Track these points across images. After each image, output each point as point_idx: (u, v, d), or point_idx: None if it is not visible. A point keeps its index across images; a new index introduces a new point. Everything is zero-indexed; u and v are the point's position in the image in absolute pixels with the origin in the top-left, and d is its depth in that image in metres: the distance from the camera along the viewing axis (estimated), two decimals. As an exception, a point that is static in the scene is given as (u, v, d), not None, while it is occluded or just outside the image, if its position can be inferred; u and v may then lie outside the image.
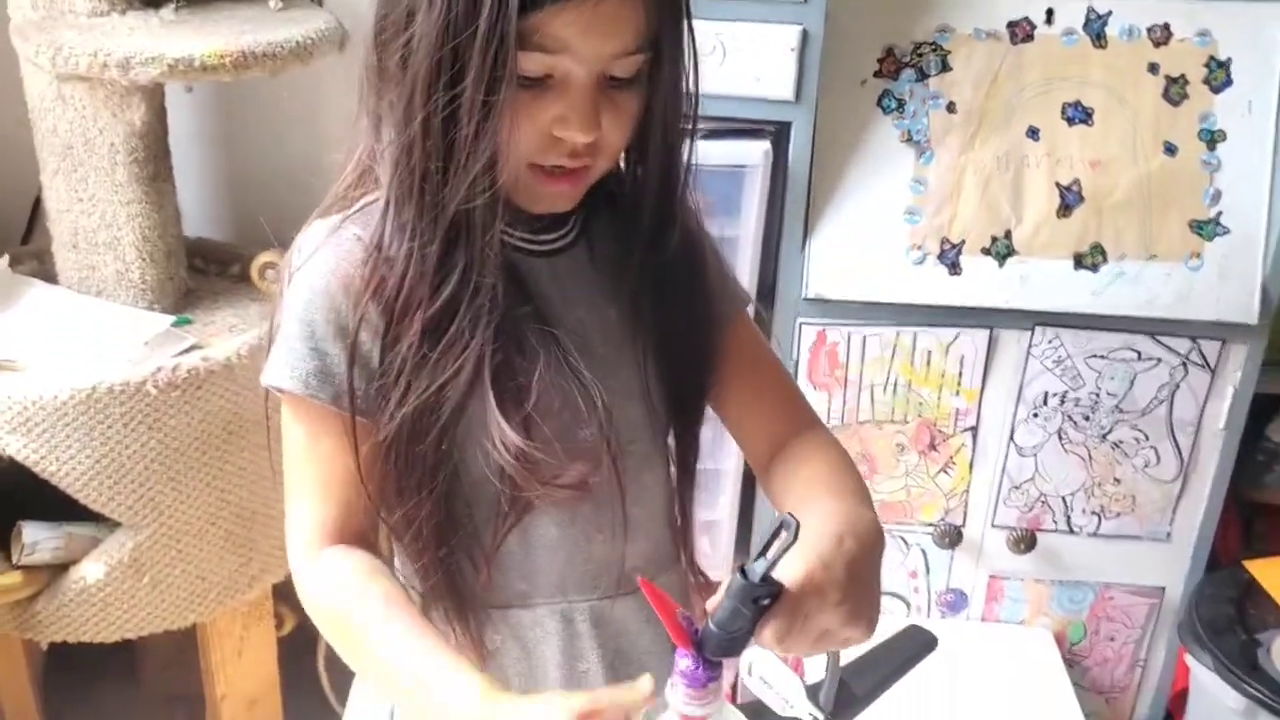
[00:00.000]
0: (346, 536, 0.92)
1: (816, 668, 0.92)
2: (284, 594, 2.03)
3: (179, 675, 2.04)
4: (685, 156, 0.97)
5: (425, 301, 0.89)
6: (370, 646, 0.88)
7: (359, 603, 0.89)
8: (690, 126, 0.96)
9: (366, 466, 0.92)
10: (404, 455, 0.92)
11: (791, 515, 0.78)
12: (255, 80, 1.66)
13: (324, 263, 0.93)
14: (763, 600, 0.79)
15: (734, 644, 0.80)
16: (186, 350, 1.72)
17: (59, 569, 1.70)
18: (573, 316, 0.97)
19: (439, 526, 0.95)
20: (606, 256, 0.99)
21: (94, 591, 1.69)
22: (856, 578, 0.84)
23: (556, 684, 1.01)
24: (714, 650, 0.80)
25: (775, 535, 0.78)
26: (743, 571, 0.79)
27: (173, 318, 1.79)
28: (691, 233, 1.01)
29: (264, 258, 1.87)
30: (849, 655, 0.93)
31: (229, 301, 1.88)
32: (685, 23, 0.91)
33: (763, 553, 0.78)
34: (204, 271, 1.97)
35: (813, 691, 0.89)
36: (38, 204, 1.92)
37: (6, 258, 1.82)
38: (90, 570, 1.69)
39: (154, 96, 1.70)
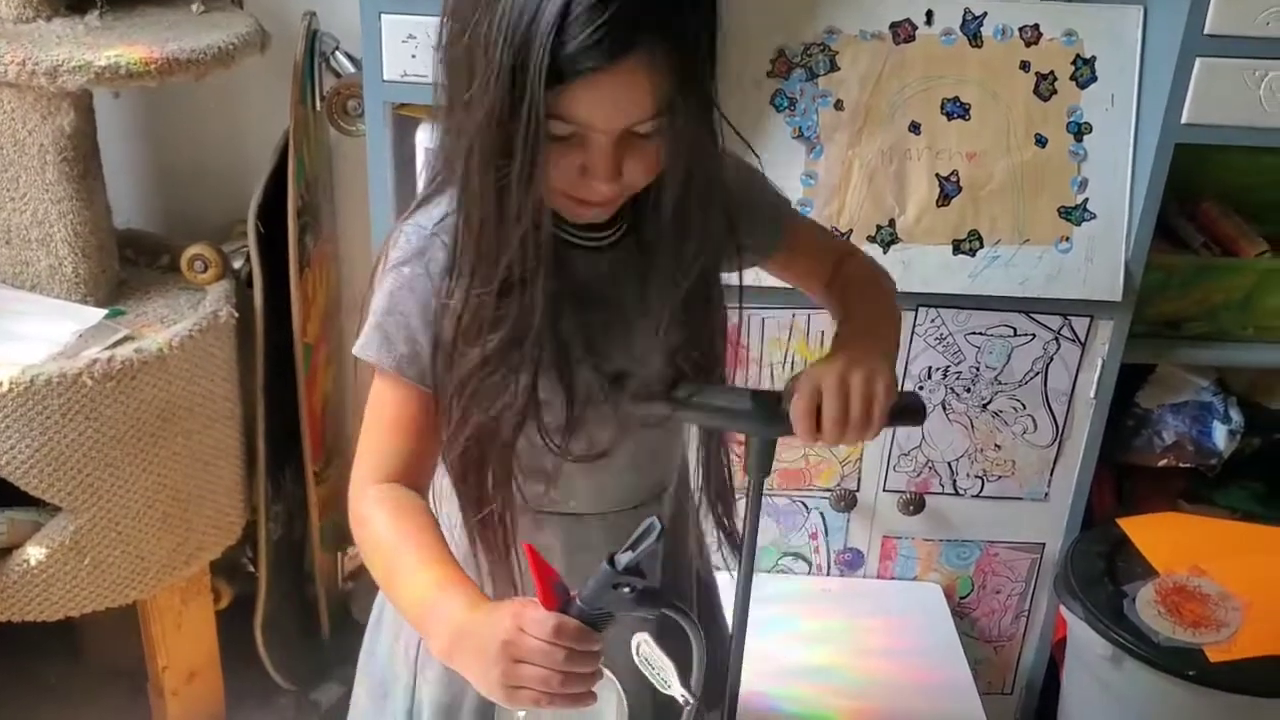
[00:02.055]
0: (400, 477, 1.07)
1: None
2: (221, 570, 2.12)
3: (120, 649, 2.11)
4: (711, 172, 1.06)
5: (482, 339, 1.03)
6: (389, 562, 1.03)
7: (387, 532, 1.04)
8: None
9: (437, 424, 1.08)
10: (494, 409, 1.06)
11: (658, 519, 0.90)
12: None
13: (418, 265, 1.06)
14: (623, 588, 0.90)
15: (597, 620, 0.92)
16: (120, 342, 1.79)
17: (2, 553, 1.77)
18: (612, 300, 1.11)
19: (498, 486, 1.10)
20: (650, 249, 1.11)
21: (37, 573, 1.77)
22: (854, 359, 1.06)
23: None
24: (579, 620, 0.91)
25: (644, 534, 0.90)
26: (611, 560, 0.91)
27: (105, 310, 1.86)
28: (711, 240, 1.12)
29: (193, 250, 1.94)
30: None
31: (160, 293, 1.95)
32: (704, 84, 1.00)
33: (630, 547, 0.90)
34: (135, 263, 2.03)
35: (684, 676, 1.01)
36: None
37: (-59, 255, 1.87)
38: (33, 553, 1.76)
39: (82, 99, 1.76)
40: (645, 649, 1.03)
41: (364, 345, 1.09)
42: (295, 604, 2.24)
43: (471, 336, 1.04)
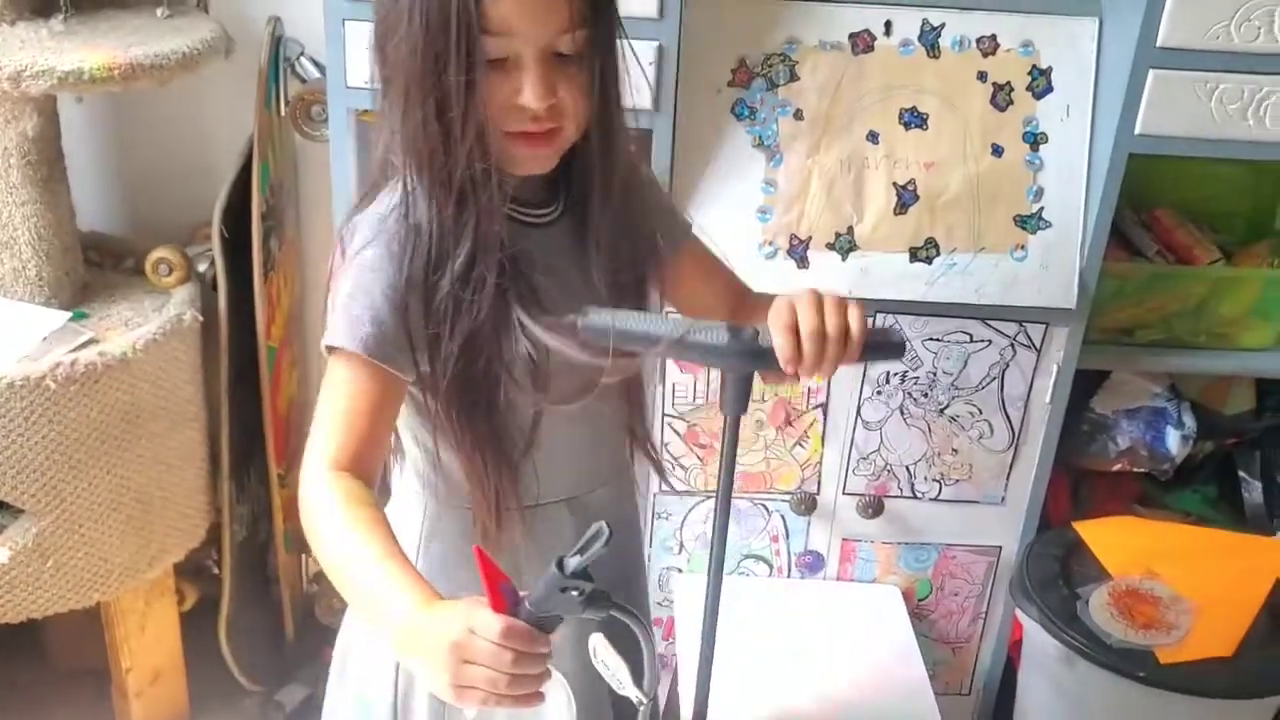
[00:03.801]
0: (352, 467, 1.08)
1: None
2: (185, 572, 2.13)
3: (85, 651, 2.11)
4: (623, 118, 1.16)
5: (451, 253, 1.09)
6: (337, 560, 1.05)
7: (337, 522, 1.05)
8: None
9: (394, 408, 1.13)
10: (460, 381, 1.11)
11: (606, 525, 0.92)
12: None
13: (379, 247, 1.10)
14: (571, 591, 0.92)
15: (544, 623, 0.94)
16: (84, 345, 1.79)
17: (-35, 555, 1.78)
18: (553, 275, 1.16)
19: (489, 439, 1.15)
20: (585, 235, 1.18)
21: (0, 575, 1.78)
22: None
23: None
24: (527, 623, 0.93)
25: (592, 540, 0.92)
26: (559, 564, 0.92)
27: (69, 313, 1.86)
28: (632, 180, 1.22)
29: (157, 253, 1.95)
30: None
31: (124, 295, 1.96)
32: (614, 15, 1.11)
33: (579, 551, 0.92)
34: (99, 265, 2.03)
35: (637, 677, 1.04)
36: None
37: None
38: (-5, 555, 1.77)
39: (46, 104, 1.77)
40: (601, 651, 1.05)
41: (331, 333, 1.10)
42: (259, 606, 2.25)
43: (441, 260, 1.08)
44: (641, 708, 1.05)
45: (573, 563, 0.92)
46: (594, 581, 0.93)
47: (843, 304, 1.09)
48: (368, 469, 1.11)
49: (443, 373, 1.11)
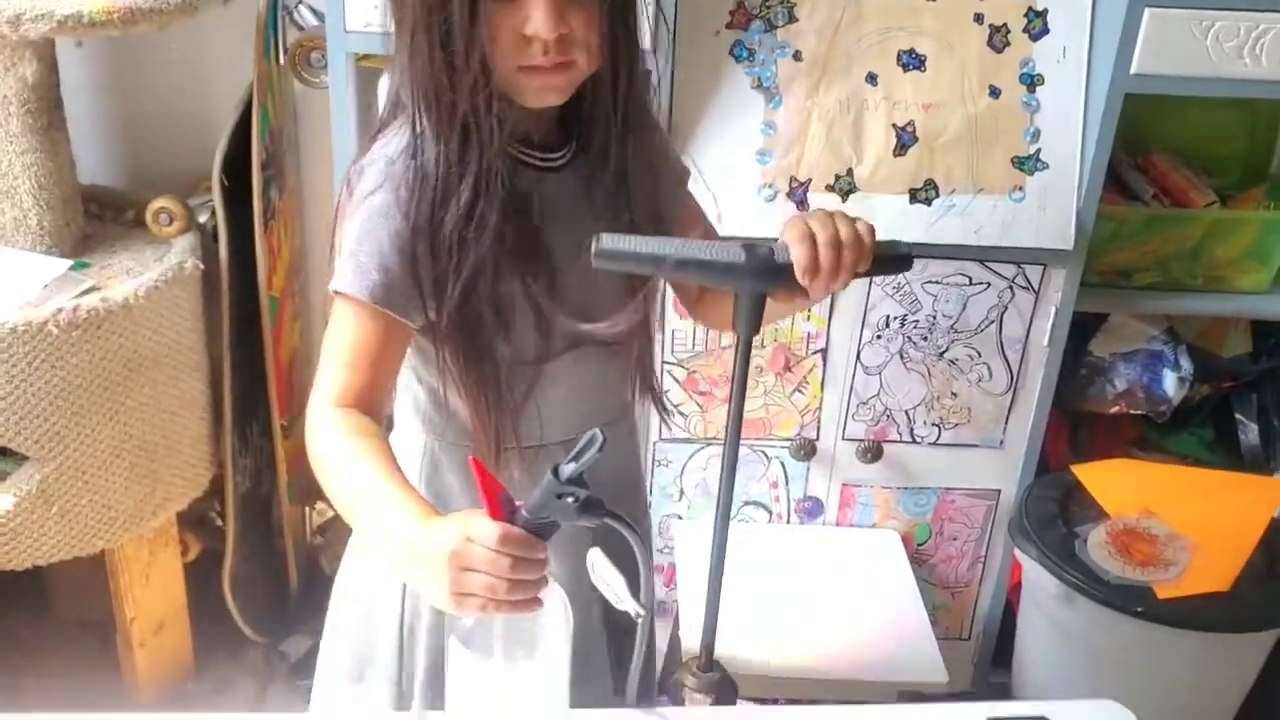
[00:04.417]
0: (357, 403, 1.11)
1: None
2: (189, 523, 2.14)
3: (89, 603, 2.12)
4: (638, 55, 1.16)
5: (457, 188, 1.09)
6: (342, 485, 1.07)
7: (343, 451, 1.07)
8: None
9: (399, 351, 1.15)
10: (463, 323, 1.12)
11: (600, 430, 0.93)
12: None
13: (388, 193, 1.10)
14: (566, 498, 0.93)
15: (541, 529, 0.95)
16: (86, 292, 1.80)
17: (-30, 501, 1.79)
18: (561, 220, 1.16)
19: (491, 382, 1.16)
20: (596, 179, 1.18)
21: (4, 522, 1.78)
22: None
23: None
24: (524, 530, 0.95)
25: (586, 446, 0.93)
26: (555, 471, 0.94)
27: (70, 261, 1.87)
28: (645, 121, 1.21)
29: (158, 203, 1.95)
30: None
31: (125, 246, 1.97)
32: None
33: (574, 459, 0.93)
34: (100, 218, 2.04)
35: (634, 591, 1.05)
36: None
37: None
38: (0, 501, 1.78)
39: (45, 49, 1.77)
40: (599, 565, 1.06)
41: (338, 278, 1.11)
42: (264, 557, 2.26)
43: (446, 199, 1.09)
44: (639, 620, 1.07)
45: (567, 469, 0.94)
46: (588, 488, 0.94)
47: (852, 220, 1.10)
48: (373, 405, 1.12)
49: (447, 315, 1.11)
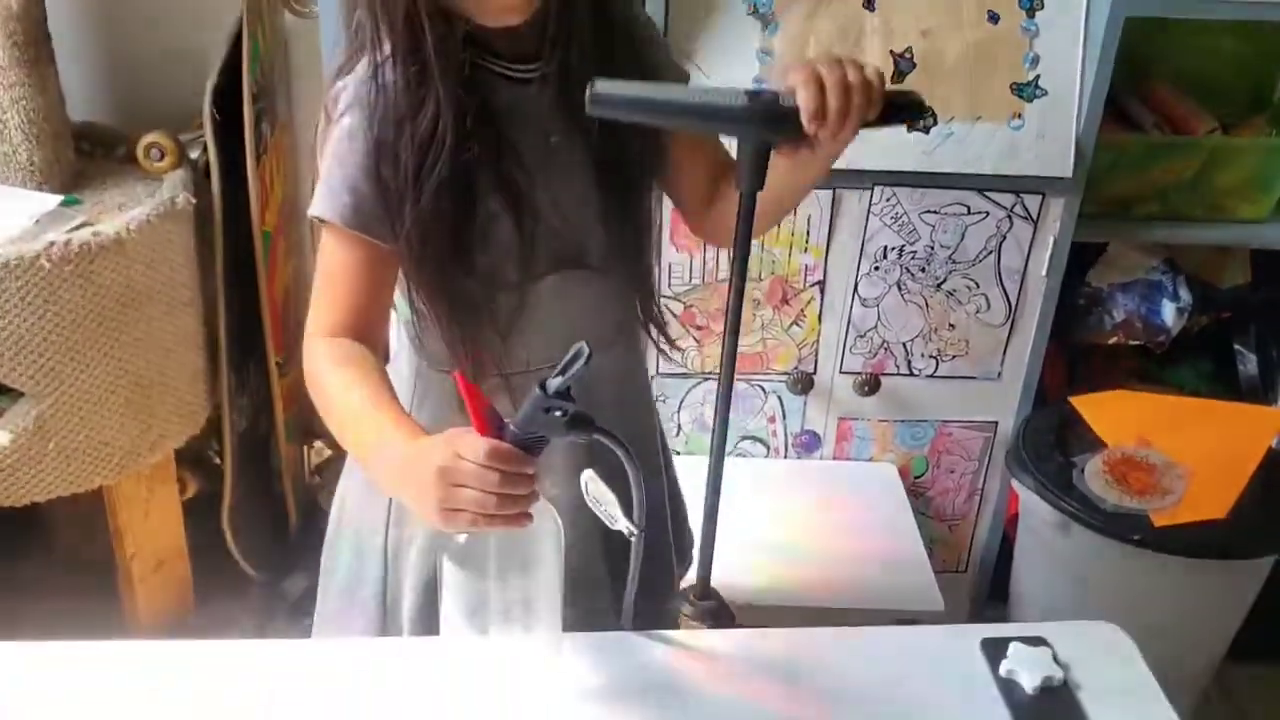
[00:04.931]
0: (347, 330, 1.11)
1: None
2: (187, 462, 2.14)
3: (89, 543, 2.12)
4: None
5: (419, 105, 1.06)
6: (335, 413, 1.08)
7: (333, 379, 1.08)
8: None
9: (385, 275, 1.13)
10: (433, 245, 1.10)
11: (586, 344, 0.91)
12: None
13: (355, 115, 1.09)
14: (554, 412, 0.93)
15: (529, 444, 0.94)
16: (78, 227, 1.79)
17: (-34, 437, 1.78)
18: (533, 135, 1.13)
19: (466, 309, 1.14)
20: (571, 90, 1.11)
21: (2, 458, 1.78)
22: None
23: None
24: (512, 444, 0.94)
25: (573, 360, 0.92)
26: (542, 385, 0.93)
27: (61, 197, 1.85)
28: (627, 34, 1.17)
29: (149, 139, 1.93)
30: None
31: (116, 182, 1.95)
32: None
33: (560, 372, 0.92)
34: (90, 154, 2.02)
35: (627, 510, 1.05)
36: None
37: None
38: (-3, 437, 1.77)
39: (30, -21, 1.74)
40: (593, 486, 1.06)
41: (314, 203, 1.11)
42: (262, 496, 2.27)
43: (410, 113, 1.06)
44: (633, 539, 1.06)
45: (554, 383, 0.93)
46: (575, 403, 0.94)
47: (860, 62, 1.02)
48: (366, 332, 1.12)
49: (410, 235, 1.09)
